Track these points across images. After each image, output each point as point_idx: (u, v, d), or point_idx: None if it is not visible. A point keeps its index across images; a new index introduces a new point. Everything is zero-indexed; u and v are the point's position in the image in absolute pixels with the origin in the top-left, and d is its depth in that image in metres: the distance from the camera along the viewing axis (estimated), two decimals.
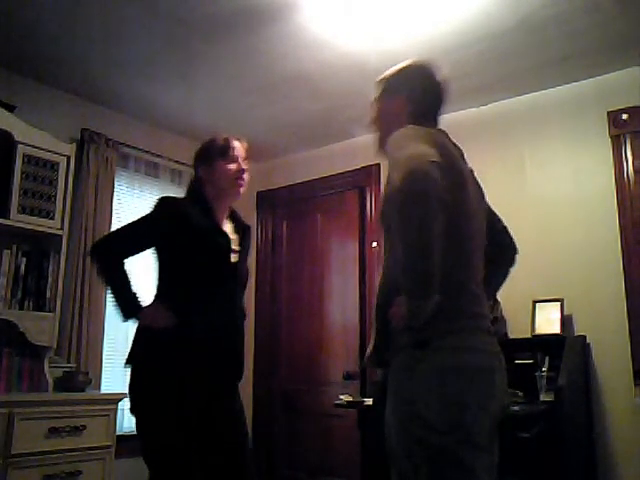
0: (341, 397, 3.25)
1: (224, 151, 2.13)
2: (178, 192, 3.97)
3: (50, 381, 2.96)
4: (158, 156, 3.96)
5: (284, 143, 4.31)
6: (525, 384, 2.89)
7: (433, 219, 1.38)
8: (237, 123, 3.83)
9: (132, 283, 1.99)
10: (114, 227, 3.54)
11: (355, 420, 3.33)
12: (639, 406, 2.86)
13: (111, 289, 2.02)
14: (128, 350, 2.02)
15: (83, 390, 3.07)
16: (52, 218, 3.08)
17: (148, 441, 1.92)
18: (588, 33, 2.86)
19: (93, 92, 3.57)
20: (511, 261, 1.81)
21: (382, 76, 1.79)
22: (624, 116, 3.09)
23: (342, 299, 4.05)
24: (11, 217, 2.93)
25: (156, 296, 2.03)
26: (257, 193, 4.60)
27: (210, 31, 2.90)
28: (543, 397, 2.84)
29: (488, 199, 1.77)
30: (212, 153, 2.14)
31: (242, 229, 2.21)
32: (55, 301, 3.05)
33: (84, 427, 2.86)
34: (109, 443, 2.96)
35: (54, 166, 3.11)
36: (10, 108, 3.05)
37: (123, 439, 3.21)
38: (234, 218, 2.22)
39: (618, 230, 3.07)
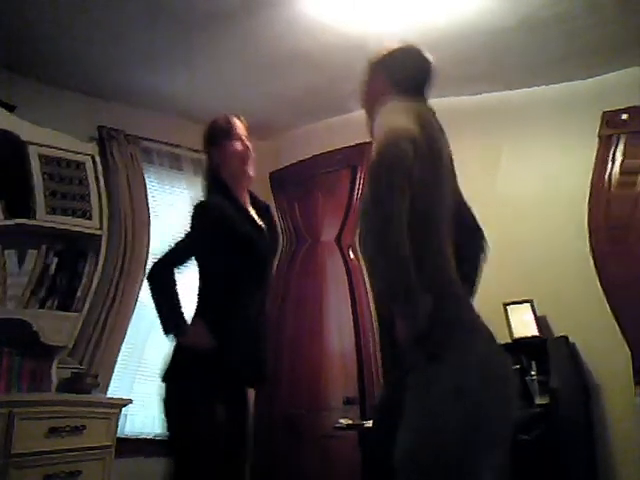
0: (341, 421, 3.25)
1: (227, 131, 2.18)
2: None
3: (54, 381, 2.97)
4: (177, 146, 3.86)
5: (287, 119, 4.22)
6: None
7: (396, 192, 1.40)
8: (241, 101, 3.73)
9: (179, 300, 2.04)
10: (152, 226, 3.56)
11: (355, 441, 3.33)
12: (639, 405, 2.83)
13: (157, 302, 2.06)
14: (164, 365, 2.05)
15: (89, 392, 3.07)
16: (89, 218, 3.10)
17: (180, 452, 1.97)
18: (587, 33, 2.88)
19: (100, 88, 3.56)
20: (481, 248, 1.78)
21: (369, 59, 1.86)
22: (624, 116, 3.07)
23: (338, 320, 4.00)
24: (38, 217, 2.96)
25: (197, 310, 2.07)
26: (270, 174, 4.38)
27: (211, 16, 2.91)
28: (538, 401, 2.83)
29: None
30: (218, 134, 2.20)
31: (263, 210, 2.27)
32: (84, 301, 3.07)
33: (84, 427, 2.84)
34: (109, 443, 2.95)
35: (80, 166, 3.13)
36: (10, 108, 3.05)
37: (124, 441, 3.22)
38: (253, 200, 2.26)
39: (587, 229, 3.06)
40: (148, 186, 3.67)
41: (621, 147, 3.10)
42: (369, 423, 3.07)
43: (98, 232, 3.14)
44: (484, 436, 1.39)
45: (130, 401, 3.18)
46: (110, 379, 3.35)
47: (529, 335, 2.97)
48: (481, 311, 2.86)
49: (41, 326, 2.90)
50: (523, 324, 2.99)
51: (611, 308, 2.97)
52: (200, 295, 2.10)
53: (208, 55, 3.31)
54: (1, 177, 2.94)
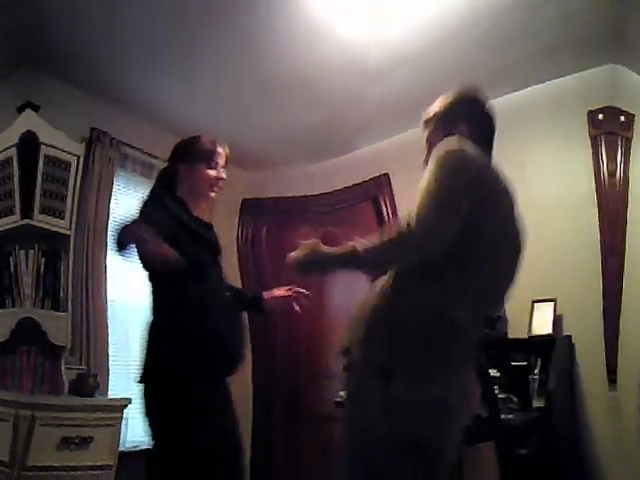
0: (341, 393, 3.24)
1: (209, 157, 2.09)
2: None
3: (66, 383, 2.95)
4: (155, 157, 3.89)
5: (280, 154, 4.28)
6: (519, 388, 2.82)
7: (460, 196, 1.44)
8: (236, 131, 3.82)
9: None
10: (110, 228, 3.46)
11: None
12: (612, 401, 2.90)
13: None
14: (139, 364, 1.97)
15: (92, 395, 3.05)
16: (63, 218, 3.09)
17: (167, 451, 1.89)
18: (582, 16, 2.77)
19: (100, 88, 3.51)
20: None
21: (430, 113, 1.78)
22: (600, 116, 3.07)
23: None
24: (34, 217, 2.96)
25: (154, 311, 1.98)
26: (242, 200, 4.55)
27: (214, 30, 2.92)
28: (536, 403, 2.83)
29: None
30: (196, 155, 2.10)
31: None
32: (67, 301, 3.07)
33: (92, 439, 2.78)
34: (110, 463, 2.88)
35: (67, 166, 3.11)
36: (35, 108, 3.04)
37: (124, 456, 3.13)
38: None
39: (598, 231, 3.08)
40: (116, 191, 3.70)
41: (604, 148, 3.12)
42: None
43: (67, 232, 3.14)
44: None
45: (130, 400, 3.08)
46: (108, 379, 3.34)
47: (543, 333, 3.02)
48: (511, 306, 2.98)
49: (47, 326, 2.91)
50: (543, 322, 3.05)
51: (603, 308, 3.00)
52: (155, 300, 2.02)
53: (208, 71, 3.30)
54: (20, 177, 2.95)
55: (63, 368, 2.97)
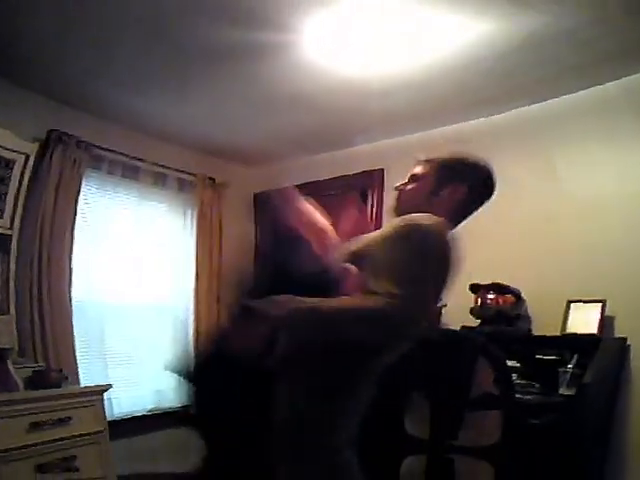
0: None
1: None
2: (160, 194, 4.08)
3: (19, 381, 2.77)
4: (139, 159, 3.90)
5: (282, 150, 4.30)
6: (546, 378, 2.82)
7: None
8: (229, 132, 3.92)
9: None
10: (77, 227, 3.54)
11: None
12: None
13: None
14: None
15: (59, 386, 2.95)
16: (0, 217, 2.95)
17: None
18: (598, 42, 2.73)
19: (70, 97, 3.44)
20: None
21: (437, 159, 1.73)
22: None
23: None
24: None
25: None
26: (254, 195, 4.42)
27: (209, 57, 2.90)
28: (563, 391, 2.78)
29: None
30: None
31: None
32: (8, 302, 2.95)
33: (69, 418, 2.80)
34: (100, 428, 2.94)
35: (9, 164, 2.99)
36: None
37: (117, 423, 3.31)
38: None
39: None
40: (84, 190, 3.61)
41: None
42: None
43: (8, 232, 3.00)
44: None
45: (110, 386, 3.14)
46: (77, 371, 3.31)
47: (584, 332, 2.96)
48: (540, 305, 3.15)
49: None
50: (585, 322, 2.98)
51: None
52: None
53: (204, 90, 3.32)
54: None
55: (12, 368, 2.80)
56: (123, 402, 3.60)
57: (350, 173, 4.11)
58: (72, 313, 3.37)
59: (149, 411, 3.71)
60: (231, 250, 4.24)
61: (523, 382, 2.82)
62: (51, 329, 3.24)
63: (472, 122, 3.58)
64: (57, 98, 3.43)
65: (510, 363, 2.70)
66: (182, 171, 4.12)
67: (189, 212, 4.22)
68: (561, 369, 2.83)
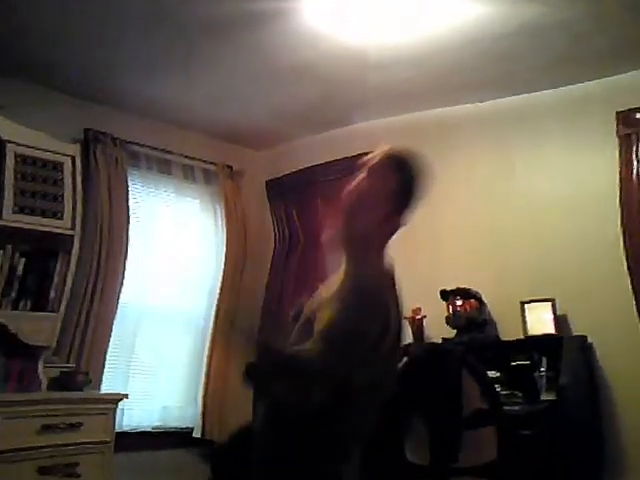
0: None
1: None
2: (192, 189, 4.07)
3: (44, 381, 2.96)
4: (168, 152, 3.91)
5: (286, 130, 4.25)
6: (523, 385, 2.83)
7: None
8: (239, 112, 3.87)
9: None
10: (132, 227, 3.59)
11: None
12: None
13: None
14: None
15: (81, 390, 3.07)
16: (60, 218, 3.07)
17: None
18: (592, 37, 2.82)
19: (93, 92, 3.55)
20: None
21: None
22: (638, 115, 3.04)
23: None
24: (4, 217, 2.90)
25: None
26: (266, 182, 4.50)
27: (211, 32, 2.92)
28: (544, 397, 2.80)
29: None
30: None
31: None
32: (60, 301, 3.04)
33: (80, 424, 2.85)
34: (107, 439, 2.96)
35: (57, 166, 3.10)
36: None
37: (124, 435, 3.24)
38: None
39: (620, 230, 2.98)
40: (131, 189, 3.68)
41: (627, 147, 3.07)
42: None
43: (69, 232, 3.10)
44: None
45: (125, 396, 3.18)
46: (101, 376, 3.35)
47: (544, 333, 2.99)
48: (499, 309, 3.18)
49: (19, 327, 2.88)
50: (541, 322, 3.02)
51: (637, 309, 2.88)
52: None
53: (207, 65, 3.30)
54: None
55: (41, 367, 2.96)
56: (134, 414, 3.52)
57: (349, 155, 3.83)
58: (115, 317, 3.43)
59: (154, 428, 3.63)
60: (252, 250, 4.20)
61: (506, 392, 2.83)
62: (92, 331, 3.31)
63: (456, 108, 3.58)
64: (80, 95, 3.52)
65: (490, 373, 2.71)
66: (204, 161, 4.07)
67: (218, 209, 4.14)
68: (535, 373, 2.86)
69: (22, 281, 2.96)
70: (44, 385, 2.97)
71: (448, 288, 3.17)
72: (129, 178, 3.68)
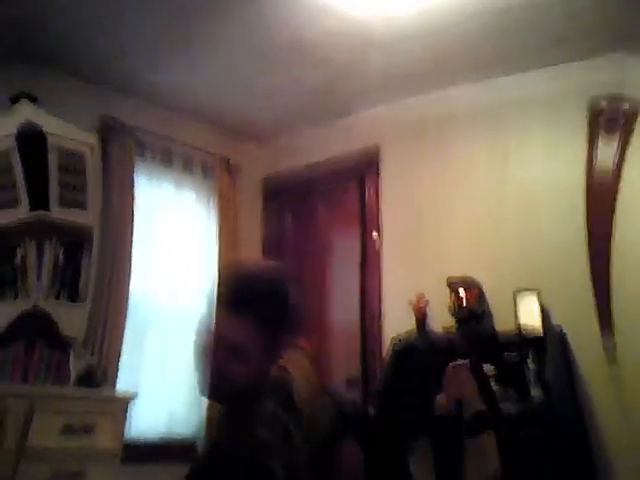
0: None
1: None
2: (190, 181, 3.97)
3: (73, 374, 2.95)
4: (170, 139, 3.83)
5: (287, 119, 4.17)
6: (515, 380, 2.87)
7: None
8: (240, 98, 3.82)
9: None
10: (136, 224, 3.50)
11: None
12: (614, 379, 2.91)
13: None
14: None
15: (99, 386, 3.06)
16: (85, 209, 3.10)
17: None
18: (587, 13, 2.86)
19: (103, 77, 3.49)
20: None
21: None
22: (602, 103, 3.07)
23: (344, 297, 3.97)
24: (52, 210, 2.96)
25: None
26: (262, 179, 4.47)
27: (208, 7, 2.90)
28: (533, 392, 2.87)
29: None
30: None
31: None
32: (87, 292, 3.11)
33: (94, 427, 2.77)
34: (117, 448, 2.88)
35: (80, 157, 3.10)
36: (33, 99, 3.02)
37: (131, 446, 3.11)
38: None
39: (585, 221, 3.08)
40: (136, 181, 3.61)
41: (602, 136, 3.12)
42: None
43: (92, 224, 3.15)
44: None
45: (136, 394, 3.15)
46: (116, 373, 3.31)
47: (532, 324, 3.01)
48: (493, 298, 3.12)
49: (60, 317, 2.91)
50: (528, 313, 3.03)
51: (595, 300, 3.03)
52: None
53: (208, 46, 3.25)
54: (26, 169, 2.90)
55: (72, 359, 2.98)
56: (140, 421, 3.38)
57: (348, 150, 4.03)
58: (127, 310, 3.35)
59: (160, 438, 3.48)
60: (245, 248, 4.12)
61: (499, 388, 2.82)
62: (111, 323, 3.27)
63: (454, 95, 3.59)
64: (91, 80, 3.44)
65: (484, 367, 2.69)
66: (204, 150, 4.00)
67: (211, 202, 4.05)
68: (524, 368, 2.91)
69: (62, 272, 2.99)
70: (73, 379, 2.94)
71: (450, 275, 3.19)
72: (135, 168, 3.62)
